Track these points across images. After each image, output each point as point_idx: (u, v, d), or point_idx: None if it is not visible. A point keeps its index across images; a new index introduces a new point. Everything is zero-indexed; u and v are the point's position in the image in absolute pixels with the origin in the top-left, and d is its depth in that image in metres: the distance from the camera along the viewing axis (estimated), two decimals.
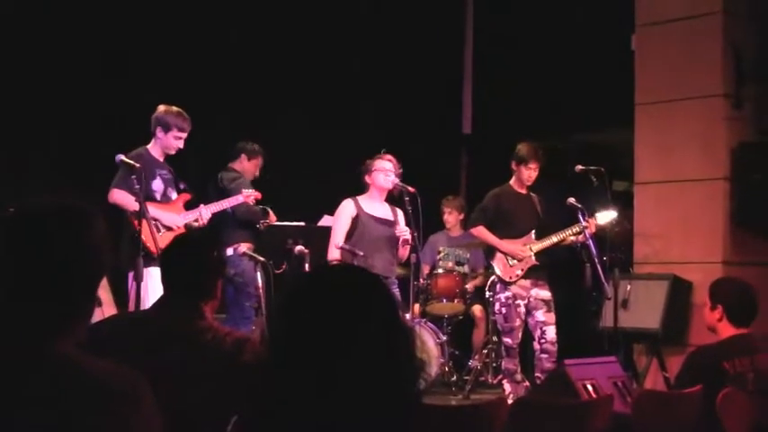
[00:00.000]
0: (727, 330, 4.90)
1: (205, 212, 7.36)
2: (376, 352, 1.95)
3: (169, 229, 7.02)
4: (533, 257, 7.87)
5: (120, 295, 7.31)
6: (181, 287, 3.67)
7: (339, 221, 7.79)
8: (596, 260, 7.54)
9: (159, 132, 7.23)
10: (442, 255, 9.69)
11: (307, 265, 7.53)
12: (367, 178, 7.87)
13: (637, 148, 8.63)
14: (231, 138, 8.72)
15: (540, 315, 7.82)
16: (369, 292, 2.02)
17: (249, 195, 7.80)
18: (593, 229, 7.74)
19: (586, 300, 8.19)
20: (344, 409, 1.91)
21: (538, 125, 9.81)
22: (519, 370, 7.90)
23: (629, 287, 8.16)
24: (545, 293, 7.88)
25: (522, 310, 7.84)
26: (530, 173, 7.89)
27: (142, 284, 6.30)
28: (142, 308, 6.07)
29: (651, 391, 6.57)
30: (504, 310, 7.87)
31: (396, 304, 2.06)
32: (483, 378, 9.16)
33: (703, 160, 8.17)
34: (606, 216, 7.84)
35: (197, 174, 8.16)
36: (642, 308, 8.10)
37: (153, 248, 6.44)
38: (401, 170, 7.81)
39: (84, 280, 2.09)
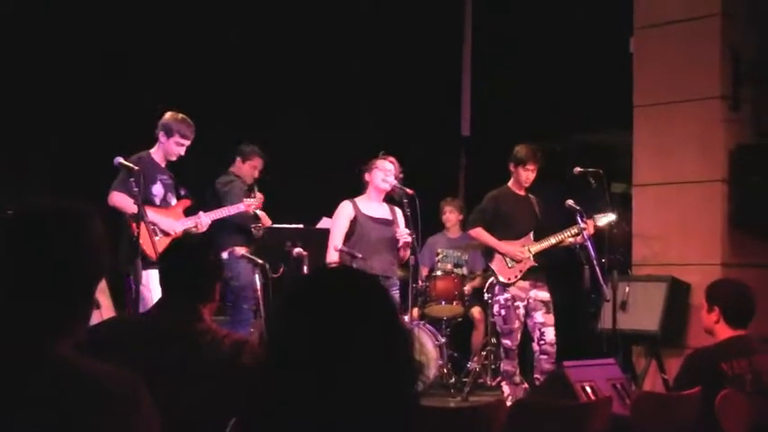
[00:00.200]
0: (724, 332, 4.90)
1: (204, 219, 7.37)
2: (375, 354, 1.95)
3: (166, 234, 7.02)
4: (532, 259, 7.88)
5: (118, 298, 7.32)
6: (179, 290, 3.68)
7: (337, 223, 7.79)
8: (595, 262, 7.54)
9: (162, 137, 7.26)
10: (440, 257, 9.69)
11: (305, 268, 7.54)
12: (366, 176, 7.89)
13: (635, 149, 8.63)
14: (231, 140, 8.73)
15: (540, 316, 7.83)
16: (367, 294, 2.03)
17: (250, 205, 7.82)
18: (592, 231, 7.75)
19: (585, 301, 8.19)
20: (343, 410, 1.91)
21: (536, 127, 9.82)
22: (518, 372, 7.90)
23: (627, 289, 8.16)
24: (544, 295, 7.89)
25: (521, 311, 7.84)
26: (527, 174, 7.89)
27: (144, 286, 6.32)
28: (143, 310, 6.08)
29: (650, 392, 6.56)
30: (502, 311, 7.87)
31: (394, 306, 2.07)
32: (482, 380, 9.16)
33: (702, 162, 8.17)
34: (605, 218, 7.85)
35: (197, 178, 8.16)
36: (641, 310, 8.11)
37: (150, 252, 6.45)
38: (402, 174, 7.81)
39: (82, 281, 2.10)
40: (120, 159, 6.59)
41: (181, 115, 7.29)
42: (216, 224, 7.63)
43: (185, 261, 3.75)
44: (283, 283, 7.49)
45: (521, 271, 7.86)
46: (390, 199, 7.95)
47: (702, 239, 8.12)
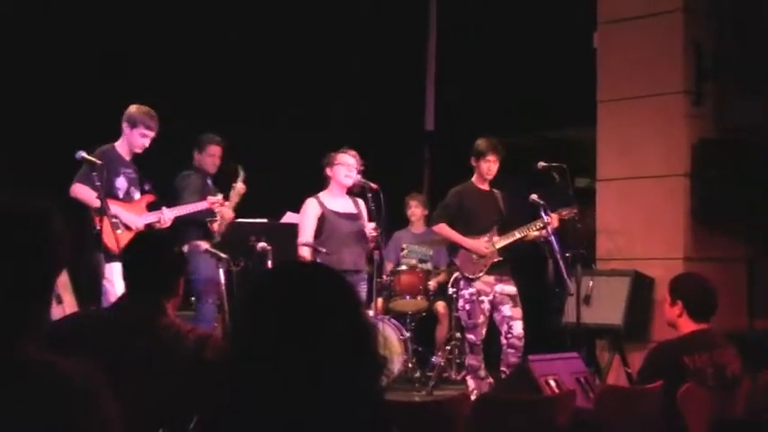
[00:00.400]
0: (687, 326, 4.94)
1: (168, 214, 7.35)
2: (341, 347, 1.96)
3: (128, 228, 6.98)
4: (496, 254, 7.89)
5: (81, 292, 7.28)
6: (142, 284, 3.66)
7: (305, 221, 7.81)
8: (559, 256, 7.56)
9: (126, 128, 7.25)
10: (405, 252, 9.69)
11: (269, 262, 7.52)
12: (328, 171, 7.90)
13: (599, 144, 8.66)
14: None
15: (507, 310, 7.84)
16: (334, 287, 2.04)
17: (214, 202, 7.81)
18: (556, 224, 7.77)
19: (549, 296, 8.22)
20: (309, 404, 1.91)
21: (500, 122, 9.84)
22: (483, 366, 7.91)
23: (591, 283, 8.19)
24: (510, 288, 7.91)
25: (486, 306, 7.85)
26: (489, 165, 7.90)
27: (107, 280, 6.29)
28: (105, 303, 6.05)
29: (613, 386, 6.59)
30: (467, 306, 7.88)
31: (360, 301, 2.09)
32: (446, 374, 9.18)
33: (665, 157, 8.21)
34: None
35: (164, 174, 8.18)
36: (604, 304, 8.14)
37: (112, 246, 6.42)
38: (363, 167, 7.82)
39: (41, 279, 2.08)
40: (83, 154, 6.56)
41: (145, 107, 7.27)
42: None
43: (149, 255, 3.73)
44: (248, 278, 7.47)
45: (485, 266, 7.87)
46: (351, 191, 7.97)
47: (666, 234, 8.16)
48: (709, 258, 8.00)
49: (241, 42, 9.95)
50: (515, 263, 8.05)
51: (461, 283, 8.02)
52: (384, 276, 9.27)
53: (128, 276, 3.74)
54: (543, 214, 7.72)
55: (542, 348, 6.47)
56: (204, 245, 7.75)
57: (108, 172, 6.72)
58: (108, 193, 6.68)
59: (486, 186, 8.02)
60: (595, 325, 8.09)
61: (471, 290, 7.87)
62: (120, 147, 7.26)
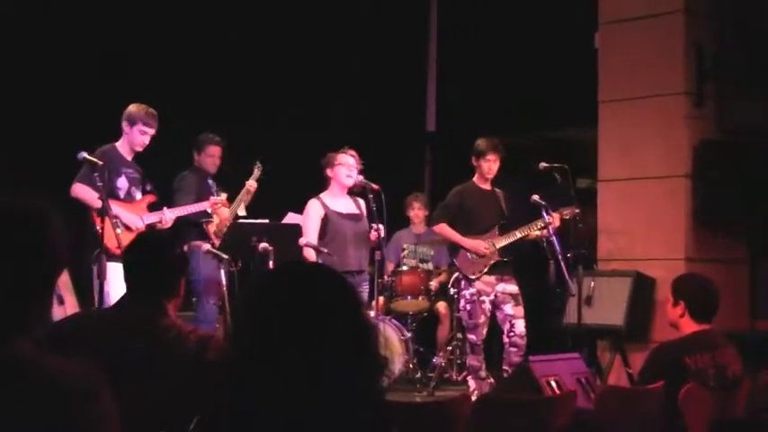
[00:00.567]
0: (688, 326, 4.93)
1: (169, 215, 7.35)
2: (342, 348, 1.96)
3: (128, 228, 6.98)
4: (497, 254, 7.89)
5: (82, 292, 7.28)
6: (144, 285, 3.66)
7: (309, 223, 7.82)
8: (560, 257, 7.56)
9: (126, 127, 7.26)
10: (406, 252, 9.70)
11: (271, 263, 7.52)
12: (329, 172, 7.90)
13: (600, 145, 8.66)
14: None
15: (509, 308, 7.84)
16: (335, 288, 2.04)
17: (216, 203, 7.82)
18: (558, 224, 7.77)
19: (550, 296, 8.22)
20: (310, 404, 1.91)
21: (502, 122, 9.83)
22: (484, 367, 7.91)
23: (592, 283, 8.19)
24: (512, 287, 7.90)
25: (488, 306, 7.85)
26: (489, 165, 7.90)
27: (108, 280, 6.28)
28: (105, 304, 6.04)
29: (614, 387, 6.59)
30: (468, 306, 7.88)
31: (361, 301, 2.09)
32: (447, 375, 9.18)
33: (666, 158, 8.21)
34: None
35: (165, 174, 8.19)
36: (606, 304, 8.13)
37: (112, 246, 6.42)
38: (362, 166, 7.82)
39: (41, 279, 2.08)
40: (84, 154, 6.56)
41: (144, 105, 7.29)
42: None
43: (150, 256, 3.73)
44: (249, 278, 7.47)
45: (485, 266, 7.87)
46: (351, 190, 7.98)
47: (667, 234, 8.16)
48: (711, 259, 8.00)
49: (241, 42, 9.96)
50: (517, 263, 8.05)
51: (462, 283, 8.02)
52: (385, 277, 9.27)
53: (129, 277, 3.74)
54: (545, 214, 7.72)
55: (543, 349, 6.47)
56: (205, 245, 7.75)
57: (109, 172, 6.72)
58: (109, 193, 6.67)
59: (487, 186, 8.02)
60: (596, 325, 8.08)
61: (472, 290, 7.86)
62: (121, 146, 7.26)
